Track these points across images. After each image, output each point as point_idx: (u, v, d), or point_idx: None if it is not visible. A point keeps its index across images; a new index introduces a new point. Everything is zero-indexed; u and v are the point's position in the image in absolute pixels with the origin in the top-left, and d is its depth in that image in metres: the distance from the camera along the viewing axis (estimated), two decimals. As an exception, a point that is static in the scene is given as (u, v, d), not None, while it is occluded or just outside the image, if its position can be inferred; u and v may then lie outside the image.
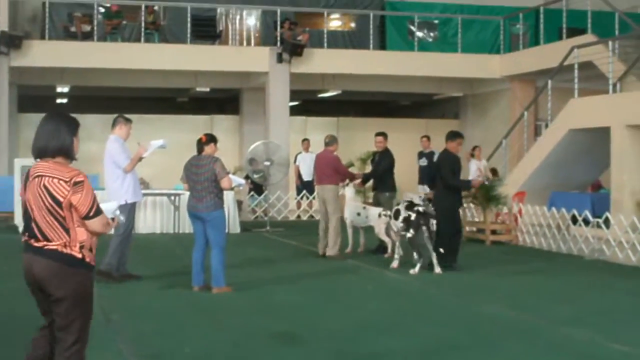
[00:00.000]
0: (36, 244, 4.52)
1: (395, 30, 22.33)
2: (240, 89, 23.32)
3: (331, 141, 13.03)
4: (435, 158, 16.48)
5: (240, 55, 20.73)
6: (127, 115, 10.44)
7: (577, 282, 10.91)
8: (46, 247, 4.49)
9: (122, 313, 8.31)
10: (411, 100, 27.43)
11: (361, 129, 22.76)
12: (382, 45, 22.17)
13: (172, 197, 16.28)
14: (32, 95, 21.93)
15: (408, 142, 19.81)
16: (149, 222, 16.69)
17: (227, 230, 10.74)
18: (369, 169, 14.39)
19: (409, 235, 11.15)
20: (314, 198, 18.56)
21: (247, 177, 17.48)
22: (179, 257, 12.50)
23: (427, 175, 17.40)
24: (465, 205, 15.05)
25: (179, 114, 24.57)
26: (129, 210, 9.95)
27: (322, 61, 20.80)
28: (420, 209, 11.16)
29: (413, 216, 11.10)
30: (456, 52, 21.88)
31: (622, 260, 12.56)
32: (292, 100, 21.32)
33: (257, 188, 19.41)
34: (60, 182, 4.47)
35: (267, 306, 8.90)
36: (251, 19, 21.90)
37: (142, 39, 20.28)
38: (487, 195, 14.97)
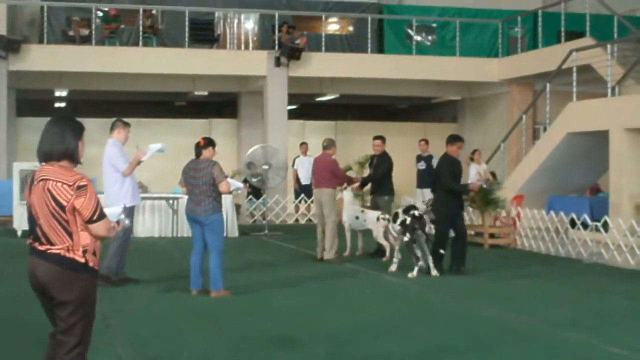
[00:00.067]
0: (40, 248, 4.52)
1: (393, 33, 22.36)
2: (238, 93, 23.34)
3: (329, 145, 13.02)
4: (434, 161, 16.53)
5: (238, 59, 20.75)
6: (125, 119, 10.46)
7: (576, 286, 10.91)
8: (49, 251, 4.49)
9: (120, 317, 8.30)
10: (409, 103, 27.44)
11: (359, 133, 22.75)
12: (380, 49, 22.19)
13: (171, 201, 16.28)
14: (30, 99, 21.97)
15: (406, 146, 19.77)
16: (147, 225, 16.67)
17: (225, 234, 10.74)
18: (367, 172, 14.37)
19: (405, 238, 11.17)
20: (312, 202, 18.55)
21: (245, 181, 17.46)
22: (178, 261, 12.50)
23: (425, 179, 17.43)
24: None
25: (177, 117, 24.55)
26: (128, 213, 9.94)
27: (320, 65, 20.81)
28: (416, 212, 11.18)
29: (408, 220, 11.12)
30: (454, 56, 21.89)
31: (621, 263, 12.56)
32: (290, 103, 21.32)
33: (256, 192, 19.41)
34: (64, 186, 4.47)
35: (265, 310, 8.89)
36: (249, 23, 21.92)
37: (140, 43, 20.31)
38: (486, 198, 14.96)
